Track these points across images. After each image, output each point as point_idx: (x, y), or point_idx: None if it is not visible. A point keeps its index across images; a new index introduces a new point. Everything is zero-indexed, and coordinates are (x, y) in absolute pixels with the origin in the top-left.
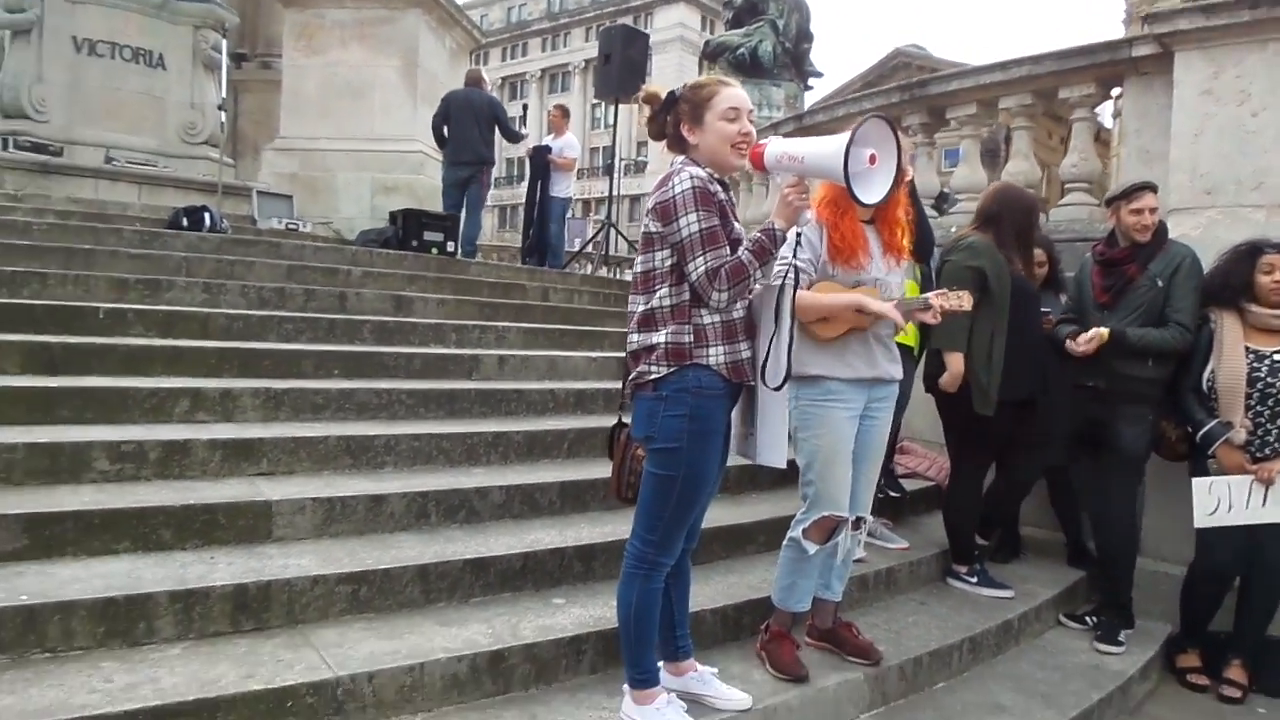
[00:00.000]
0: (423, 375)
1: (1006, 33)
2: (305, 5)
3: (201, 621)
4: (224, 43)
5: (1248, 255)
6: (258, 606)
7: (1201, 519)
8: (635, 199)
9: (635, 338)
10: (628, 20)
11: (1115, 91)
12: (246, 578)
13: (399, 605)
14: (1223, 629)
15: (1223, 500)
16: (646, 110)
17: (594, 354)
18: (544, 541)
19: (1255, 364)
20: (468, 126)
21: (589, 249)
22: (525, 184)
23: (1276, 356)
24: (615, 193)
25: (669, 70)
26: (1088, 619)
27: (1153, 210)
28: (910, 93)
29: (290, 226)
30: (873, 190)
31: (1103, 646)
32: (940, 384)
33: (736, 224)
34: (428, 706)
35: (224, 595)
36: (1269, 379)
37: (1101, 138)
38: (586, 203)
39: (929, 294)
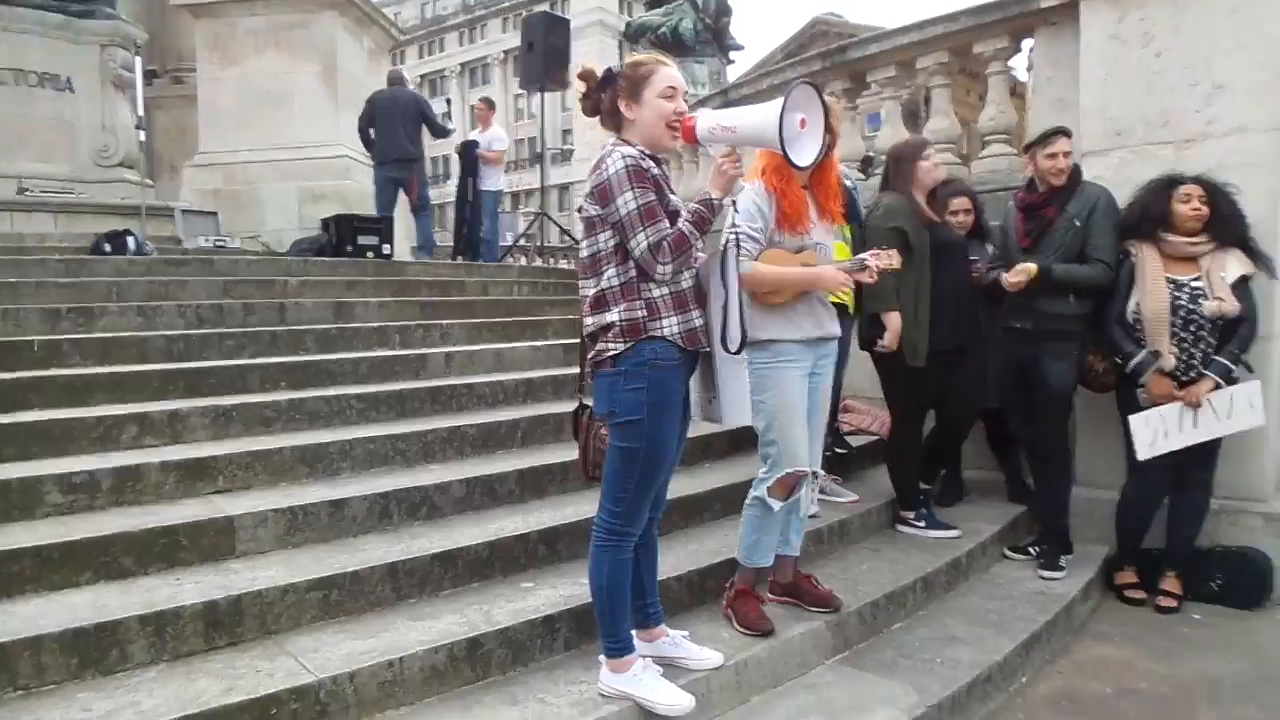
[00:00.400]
0: (370, 379)
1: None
2: (216, 15)
3: (175, 642)
4: (136, 60)
5: (1165, 187)
6: (230, 621)
7: (1144, 451)
8: (564, 188)
9: (590, 320)
10: (544, 7)
11: (1027, 43)
12: (215, 594)
13: (371, 605)
14: (1155, 546)
15: (1159, 430)
16: (582, 87)
17: (539, 343)
18: (508, 529)
19: (1176, 293)
20: (394, 126)
21: (524, 241)
22: (454, 181)
23: (1194, 284)
24: (545, 183)
25: (590, 55)
26: (1030, 549)
27: (1066, 154)
28: (831, 59)
29: (217, 244)
30: (805, 153)
31: (1045, 573)
32: (885, 344)
33: (673, 196)
34: (410, 700)
35: (195, 614)
36: (1190, 306)
37: (1017, 91)
38: (515, 195)
39: (864, 255)
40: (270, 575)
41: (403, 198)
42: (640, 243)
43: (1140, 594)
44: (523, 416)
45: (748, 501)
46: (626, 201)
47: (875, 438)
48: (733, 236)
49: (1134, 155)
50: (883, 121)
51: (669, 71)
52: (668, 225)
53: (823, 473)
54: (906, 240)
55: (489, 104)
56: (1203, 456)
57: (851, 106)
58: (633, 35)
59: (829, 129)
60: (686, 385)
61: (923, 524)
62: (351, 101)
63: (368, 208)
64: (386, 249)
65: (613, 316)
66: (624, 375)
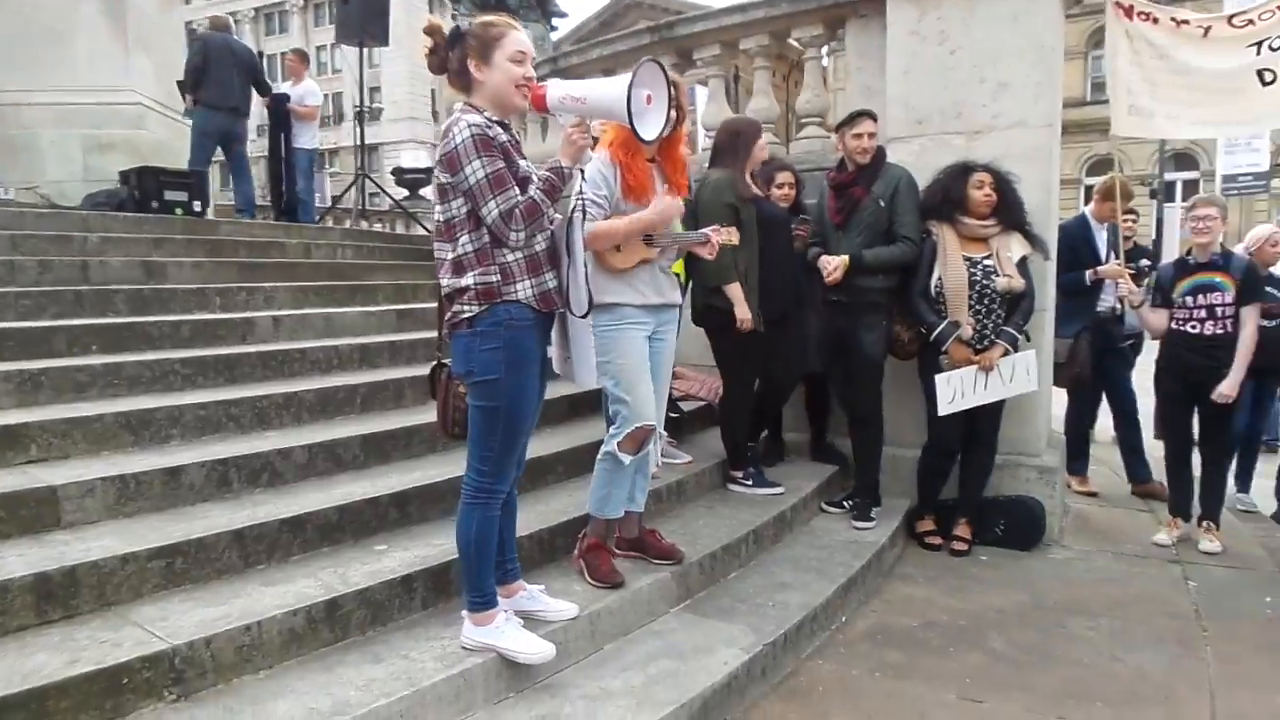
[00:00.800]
0: (193, 343)
1: None
2: None
3: (2, 617)
4: None
5: (961, 173)
6: (64, 594)
7: (944, 407)
8: (373, 148)
9: (446, 281)
10: None
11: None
12: (46, 565)
13: (218, 572)
14: (950, 497)
15: (957, 390)
16: (428, 43)
17: (370, 308)
18: (356, 494)
19: (971, 269)
20: (228, 73)
21: (346, 202)
22: (264, 138)
23: (986, 261)
24: (362, 142)
25: (397, 7)
26: (844, 503)
27: (871, 135)
28: (659, 34)
29: None
30: (650, 127)
31: (858, 524)
32: (740, 318)
33: (522, 162)
34: (268, 663)
35: (24, 586)
36: (983, 281)
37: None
38: (320, 154)
39: (706, 229)
40: (105, 545)
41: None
42: (491, 210)
43: (938, 540)
44: (361, 382)
45: (599, 457)
46: (475, 170)
47: (704, 403)
48: (579, 203)
49: (932, 142)
50: (709, 97)
51: (519, 35)
52: (518, 193)
53: (665, 434)
54: (737, 215)
55: (301, 56)
56: (990, 417)
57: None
58: None
59: (677, 106)
60: (543, 345)
61: (750, 482)
62: (144, 43)
63: (163, 160)
64: (197, 206)
65: (468, 280)
66: (480, 335)
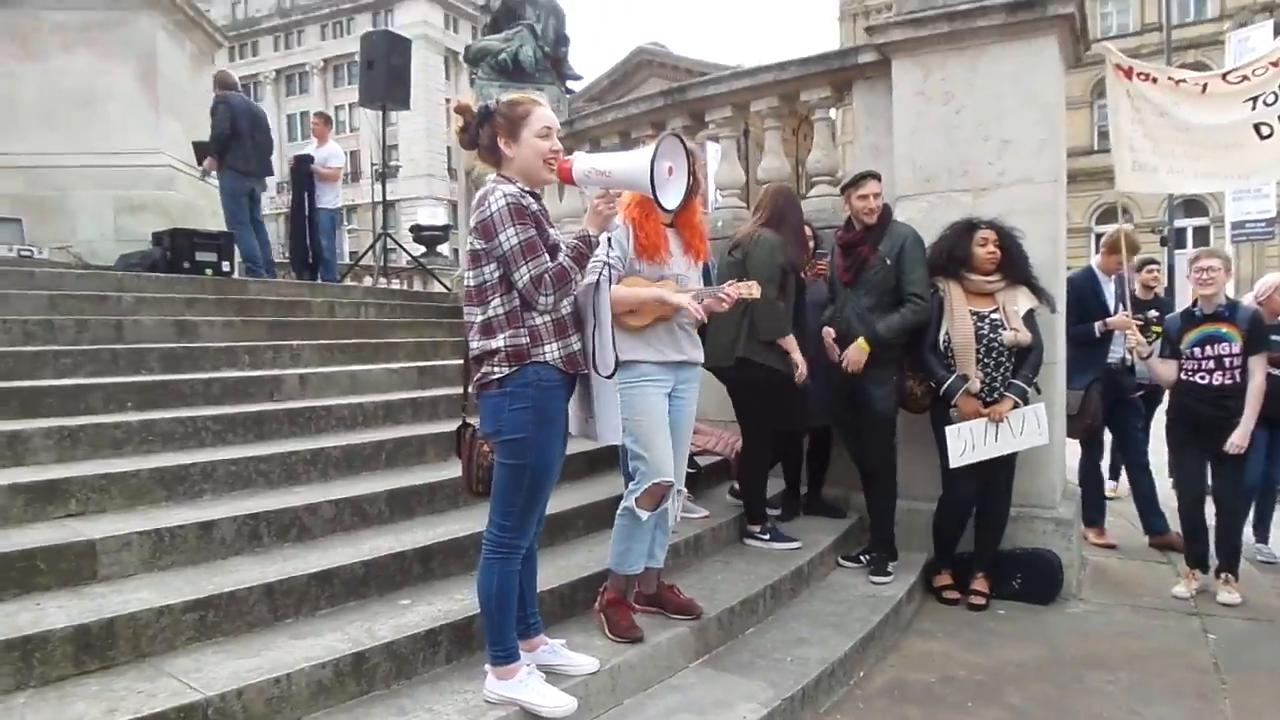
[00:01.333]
0: (224, 400)
1: (737, 29)
2: (17, 5)
3: (43, 667)
4: None
5: (965, 231)
6: (101, 645)
7: (955, 460)
8: (390, 205)
9: (476, 344)
10: (367, 18)
11: (847, 95)
12: (85, 617)
13: (249, 625)
14: (966, 550)
15: (968, 442)
16: (459, 121)
17: (393, 365)
18: (382, 548)
19: (978, 323)
20: (253, 133)
21: (368, 260)
22: (286, 197)
23: (993, 315)
24: (384, 200)
25: (414, 69)
26: (861, 558)
27: (876, 195)
28: (672, 97)
29: (23, 253)
30: (671, 198)
31: (875, 579)
32: (798, 372)
33: (552, 230)
34: (297, 715)
35: (65, 637)
36: (991, 335)
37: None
38: (339, 212)
39: (725, 285)
40: (141, 598)
41: None
42: (523, 276)
43: (955, 594)
44: (386, 438)
45: (619, 512)
46: (509, 237)
47: (720, 458)
48: (604, 268)
49: (940, 200)
50: (720, 157)
51: (544, 112)
52: (548, 259)
53: (685, 490)
54: (784, 276)
55: (325, 119)
56: (1003, 469)
57: (693, 142)
58: (472, 59)
59: (693, 175)
60: (567, 406)
61: (768, 537)
62: (173, 108)
63: (191, 221)
64: (226, 266)
65: (498, 343)
66: (509, 396)
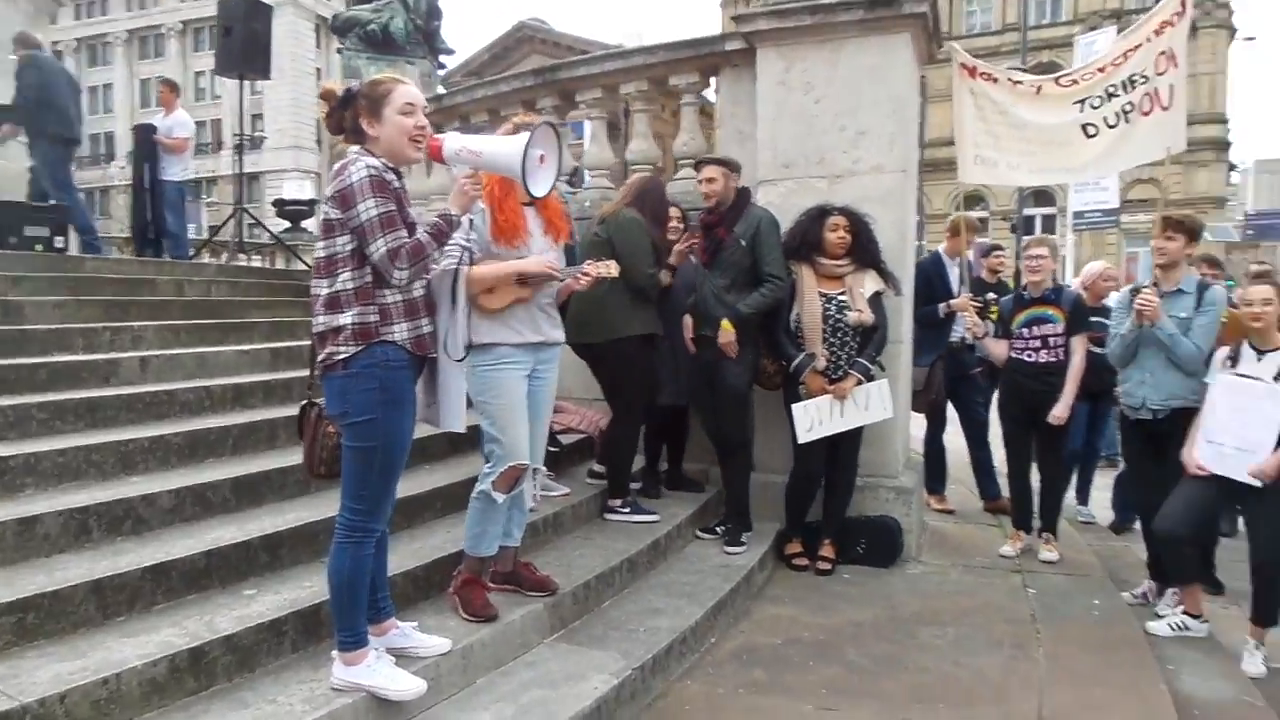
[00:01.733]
0: (52, 387)
1: (621, 7)
2: None
3: None
4: None
5: (818, 217)
6: None
7: (803, 435)
8: (254, 177)
9: (321, 319)
10: None
11: (714, 79)
12: None
13: (75, 625)
14: (815, 519)
15: (815, 418)
16: (324, 107)
17: (245, 347)
18: (225, 538)
19: (826, 305)
20: (67, 98)
21: (224, 235)
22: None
23: (840, 297)
24: (241, 170)
25: (282, 36)
26: (717, 529)
27: (710, 180)
28: (543, 77)
29: None
30: (541, 185)
31: (728, 549)
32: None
33: (411, 211)
34: (127, 716)
35: None
36: (837, 316)
37: (706, 110)
38: (196, 183)
39: (584, 264)
40: None
41: None
42: (379, 248)
43: (804, 561)
44: (234, 423)
45: (473, 495)
46: (368, 208)
47: (583, 435)
48: (463, 251)
49: (798, 186)
50: (590, 138)
51: (407, 88)
52: (406, 235)
53: (544, 469)
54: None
55: (172, 87)
56: (849, 443)
57: (562, 121)
58: (340, 29)
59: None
60: (415, 386)
61: (628, 510)
62: (5, 70)
63: (14, 193)
64: (60, 241)
65: (345, 319)
66: (356, 377)
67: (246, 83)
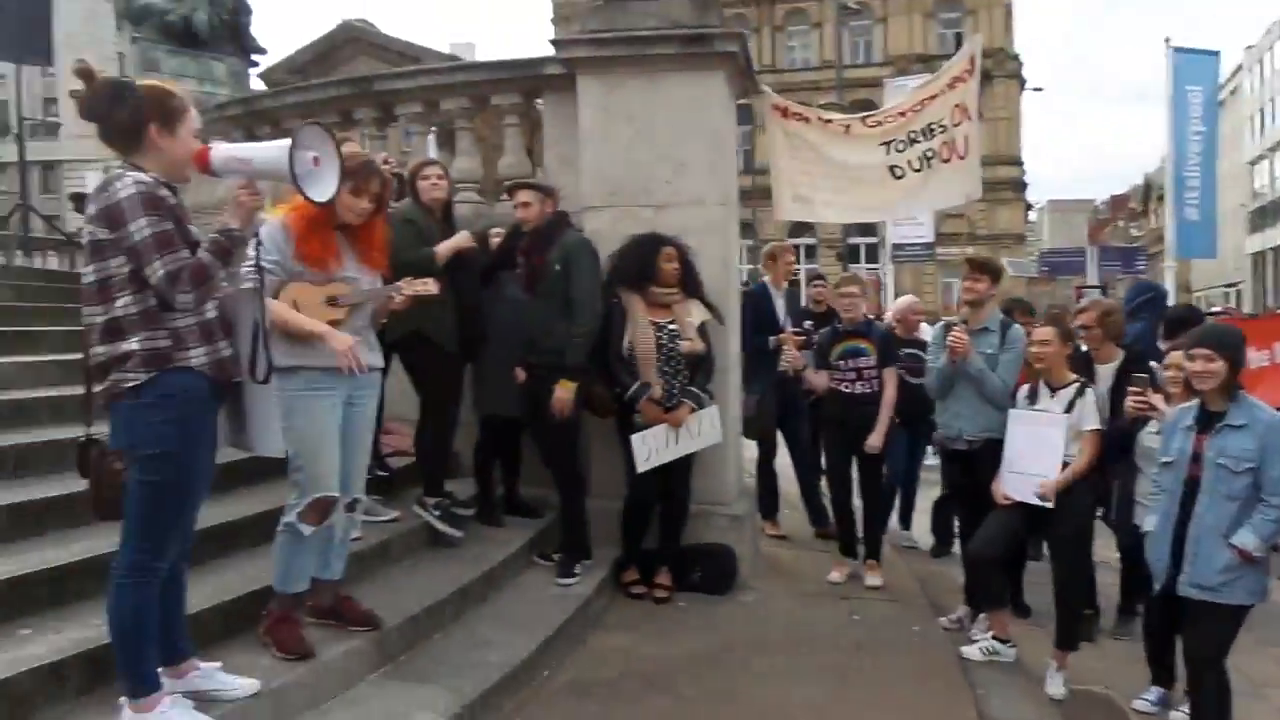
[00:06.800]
0: None
1: (451, 16)
2: None
3: None
4: None
5: (654, 247)
6: None
7: (641, 465)
8: (49, 165)
9: (100, 349)
10: None
11: (539, 101)
12: None
13: None
14: (652, 546)
15: (652, 447)
16: (79, 84)
17: (29, 358)
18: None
19: (659, 334)
20: None
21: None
22: None
23: (671, 326)
24: (24, 165)
25: (78, 16)
26: (554, 556)
27: (525, 204)
28: (360, 86)
29: None
30: (320, 189)
31: (560, 580)
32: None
33: (193, 228)
34: None
35: None
36: (670, 345)
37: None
38: None
39: (399, 283)
40: None
41: None
42: (156, 270)
43: (642, 589)
44: (14, 443)
45: (279, 528)
46: (140, 228)
47: (413, 459)
48: (256, 270)
49: (624, 214)
50: (433, 150)
51: (194, 110)
52: (187, 254)
53: (364, 498)
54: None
55: None
56: (681, 469)
57: (381, 134)
58: (135, 17)
59: (382, 203)
60: (216, 416)
61: (438, 513)
62: None
63: None
64: None
65: (132, 345)
66: (148, 407)
67: (19, 69)
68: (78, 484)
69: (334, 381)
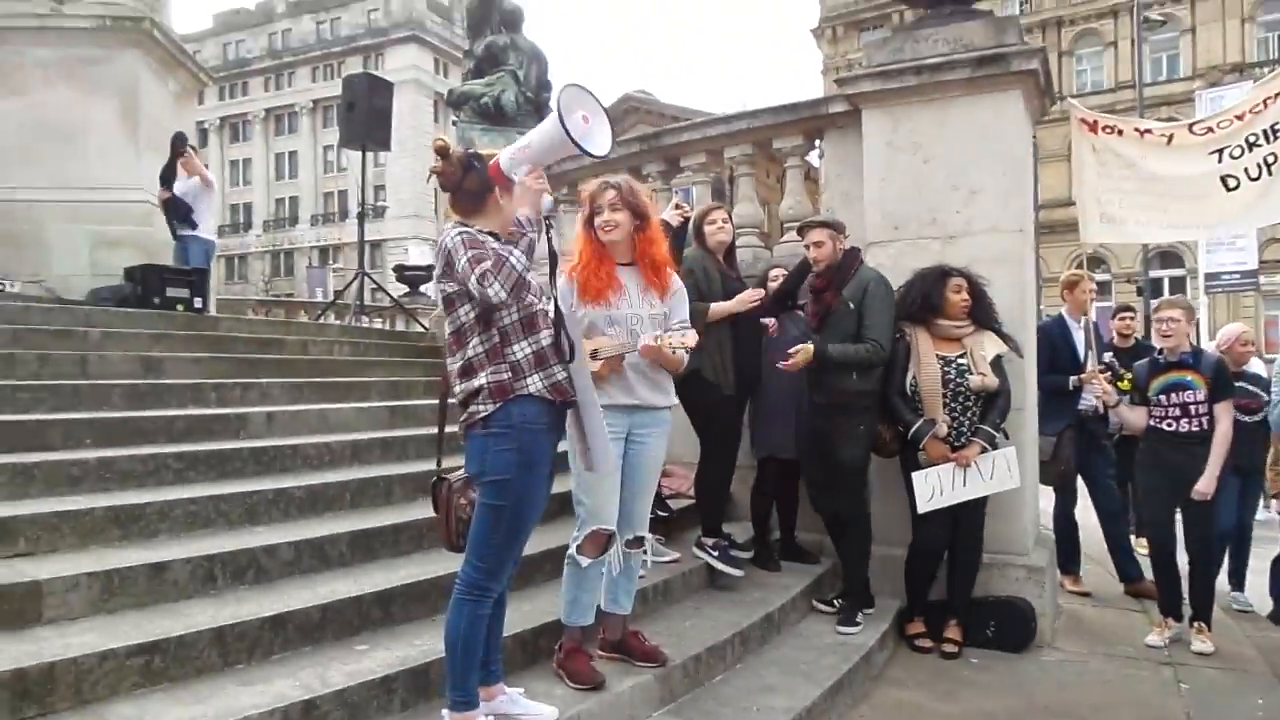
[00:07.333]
0: (187, 438)
1: (724, 79)
2: (1, 41)
3: None
4: None
5: (939, 279)
6: (40, 690)
7: (923, 505)
8: (376, 244)
9: (459, 387)
10: (358, 61)
11: (819, 142)
12: (24, 661)
13: (197, 671)
14: (940, 598)
15: (936, 487)
16: (437, 162)
17: (363, 405)
18: (340, 592)
19: (946, 368)
20: None
21: (347, 299)
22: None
23: (960, 360)
24: (362, 238)
25: (403, 112)
26: (835, 603)
27: (818, 244)
28: (648, 144)
29: None
30: (598, 144)
31: (842, 629)
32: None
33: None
34: None
35: (0, 683)
36: (957, 379)
37: (811, 176)
38: (324, 250)
39: (660, 334)
40: (85, 641)
41: None
42: (474, 282)
43: (928, 642)
44: (352, 479)
45: (565, 560)
46: (462, 260)
47: (693, 500)
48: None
49: (910, 246)
50: (694, 200)
51: None
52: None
53: (650, 536)
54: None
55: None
56: (972, 515)
57: (666, 187)
58: (455, 103)
59: (639, 212)
60: (555, 447)
61: (716, 554)
62: (154, 145)
63: (170, 258)
64: (199, 303)
65: (480, 381)
66: (494, 436)
67: (370, 155)
68: (406, 515)
69: (614, 417)
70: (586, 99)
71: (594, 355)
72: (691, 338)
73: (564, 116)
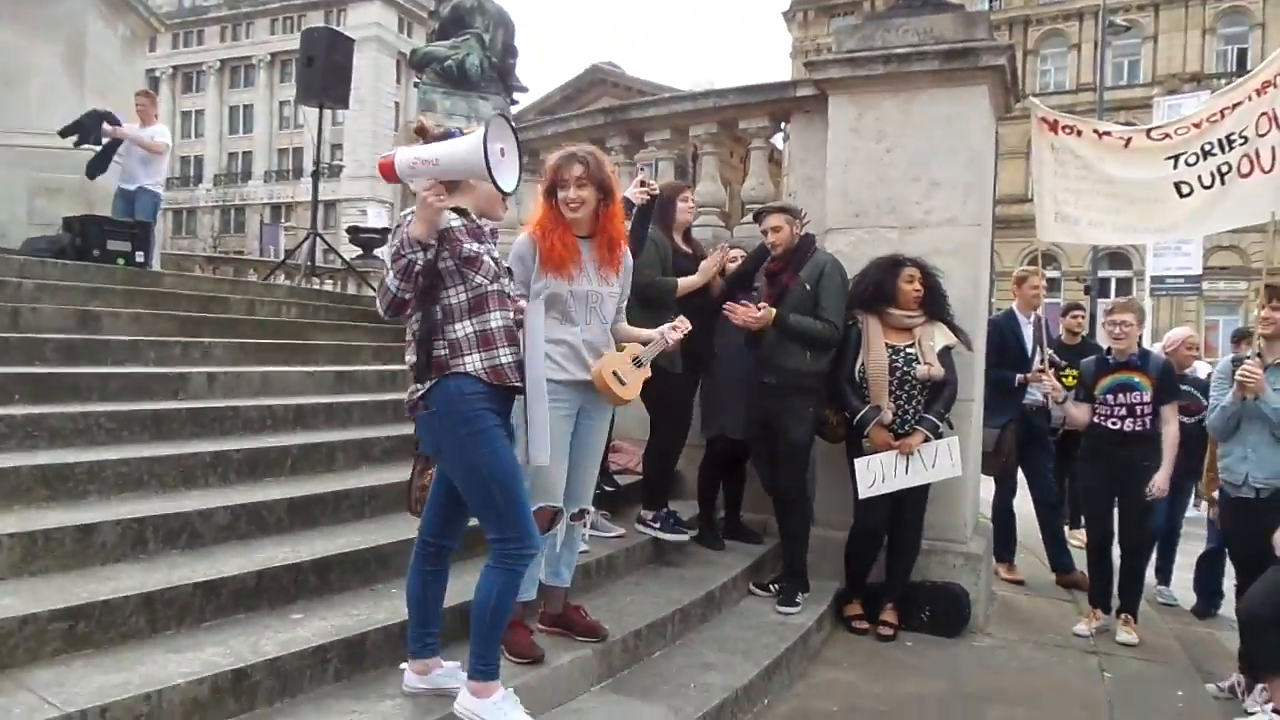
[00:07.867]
0: (122, 397)
1: (692, 54)
2: None
3: None
4: None
5: (892, 267)
6: None
7: (864, 491)
8: (331, 204)
9: (407, 358)
10: (319, 15)
11: (785, 125)
12: None
13: (124, 637)
14: (878, 581)
15: (878, 473)
16: (418, 141)
17: (310, 369)
18: (277, 559)
19: (894, 356)
20: None
21: (297, 259)
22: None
23: (908, 349)
24: (315, 199)
25: (364, 69)
26: (771, 586)
27: (775, 229)
28: (613, 116)
29: None
30: (508, 179)
31: (781, 609)
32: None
33: (471, 244)
34: None
35: None
36: (904, 368)
37: (775, 158)
38: (277, 208)
39: (663, 328)
40: (5, 605)
41: None
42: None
43: (865, 624)
44: (294, 444)
45: None
46: (390, 251)
47: (640, 476)
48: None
49: (868, 235)
50: (658, 176)
51: None
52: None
53: (593, 510)
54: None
55: (150, 97)
56: (914, 502)
57: (630, 161)
58: (417, 64)
59: (604, 187)
60: (501, 415)
61: (658, 525)
62: (101, 91)
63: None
64: (141, 257)
65: (418, 356)
66: (435, 415)
67: (327, 112)
68: (348, 482)
69: (566, 394)
70: (509, 135)
71: (636, 361)
72: (684, 326)
73: (488, 143)
